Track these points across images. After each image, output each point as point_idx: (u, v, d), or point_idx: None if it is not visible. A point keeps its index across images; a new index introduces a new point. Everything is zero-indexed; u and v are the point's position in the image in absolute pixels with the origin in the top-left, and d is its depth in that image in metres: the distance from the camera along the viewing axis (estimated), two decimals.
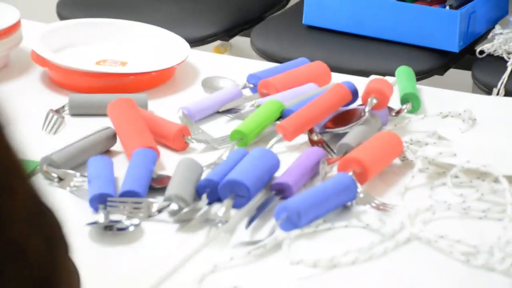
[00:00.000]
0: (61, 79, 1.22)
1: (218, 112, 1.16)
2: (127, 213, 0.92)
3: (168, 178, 0.98)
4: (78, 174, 0.99)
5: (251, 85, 1.21)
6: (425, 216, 0.94)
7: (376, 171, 1.01)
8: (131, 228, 0.91)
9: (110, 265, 0.87)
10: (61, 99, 1.17)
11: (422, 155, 1.02)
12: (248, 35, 1.87)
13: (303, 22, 1.81)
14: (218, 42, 2.15)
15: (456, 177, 1.00)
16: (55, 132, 1.11)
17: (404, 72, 1.24)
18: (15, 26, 1.26)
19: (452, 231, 0.91)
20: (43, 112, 1.13)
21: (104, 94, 1.16)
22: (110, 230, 0.91)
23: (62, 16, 1.89)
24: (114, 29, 1.32)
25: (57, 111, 1.14)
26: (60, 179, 0.99)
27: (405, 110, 1.16)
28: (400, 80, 1.22)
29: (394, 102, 1.17)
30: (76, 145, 1.02)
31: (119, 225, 0.91)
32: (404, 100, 1.17)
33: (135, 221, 0.91)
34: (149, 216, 0.93)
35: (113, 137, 1.06)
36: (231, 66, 1.31)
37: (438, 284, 0.86)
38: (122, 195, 0.94)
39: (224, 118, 1.16)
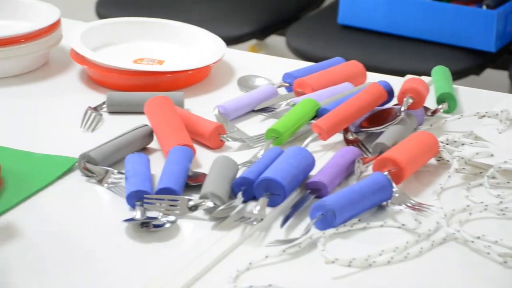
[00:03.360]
0: (100, 77, 1.23)
1: (253, 111, 1.17)
2: (163, 210, 0.93)
3: (203, 175, 0.99)
4: (115, 171, 1.00)
5: (287, 84, 1.22)
6: (462, 217, 0.94)
7: (412, 171, 1.00)
8: (167, 225, 0.92)
9: (146, 262, 0.88)
10: (99, 97, 1.19)
11: (459, 155, 1.02)
12: (283, 35, 1.87)
13: (338, 21, 1.81)
14: (253, 41, 2.15)
15: (493, 177, 0.99)
16: (93, 130, 1.12)
17: (440, 72, 1.23)
18: (56, 25, 1.28)
19: (489, 232, 0.91)
20: (82, 109, 1.15)
21: (141, 92, 1.17)
22: (147, 227, 0.92)
23: (101, 15, 1.92)
24: (152, 28, 1.33)
25: (95, 109, 1.15)
26: (98, 176, 1.00)
27: (441, 110, 1.16)
28: (436, 79, 1.21)
29: (430, 102, 1.16)
30: (113, 142, 1.04)
31: (155, 222, 0.92)
32: (440, 100, 1.17)
33: (171, 218, 0.92)
34: (185, 213, 0.93)
35: (150, 135, 1.07)
36: (266, 65, 1.31)
37: (475, 286, 0.86)
38: (158, 192, 0.95)
39: (260, 116, 1.17)
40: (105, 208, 0.97)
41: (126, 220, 0.92)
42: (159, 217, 0.92)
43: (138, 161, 0.99)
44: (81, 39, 1.26)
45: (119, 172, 1.00)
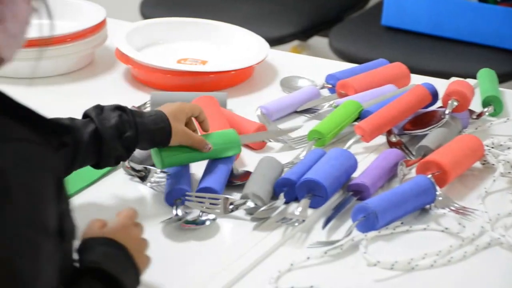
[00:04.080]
0: (144, 76, 1.24)
1: (296, 112, 1.17)
2: (204, 208, 0.94)
3: (248, 174, 0.99)
4: (158, 170, 1.00)
5: (330, 85, 1.21)
6: (507, 221, 0.92)
7: (456, 174, 0.99)
8: (208, 223, 0.92)
9: (187, 260, 0.88)
10: (143, 96, 1.20)
11: (504, 159, 1.00)
12: (326, 36, 1.86)
13: (382, 23, 1.80)
14: (296, 42, 2.15)
15: None
16: None
17: (486, 75, 1.21)
18: (101, 25, 1.29)
19: None
20: None
21: (184, 92, 1.18)
22: (188, 225, 0.92)
23: (145, 15, 1.94)
24: (195, 28, 1.34)
25: (139, 108, 1.16)
26: (141, 175, 1.01)
27: (487, 113, 1.14)
28: (482, 82, 1.20)
29: (476, 104, 1.15)
30: None
31: (196, 220, 0.92)
32: (486, 103, 1.15)
33: (212, 216, 0.92)
34: (226, 212, 0.93)
35: None
36: (309, 66, 1.31)
37: None
38: (199, 191, 0.95)
39: (302, 117, 1.16)
40: (147, 207, 0.98)
41: (166, 220, 0.92)
42: (199, 216, 0.93)
43: None
44: (126, 39, 1.27)
45: (161, 171, 1.00)
